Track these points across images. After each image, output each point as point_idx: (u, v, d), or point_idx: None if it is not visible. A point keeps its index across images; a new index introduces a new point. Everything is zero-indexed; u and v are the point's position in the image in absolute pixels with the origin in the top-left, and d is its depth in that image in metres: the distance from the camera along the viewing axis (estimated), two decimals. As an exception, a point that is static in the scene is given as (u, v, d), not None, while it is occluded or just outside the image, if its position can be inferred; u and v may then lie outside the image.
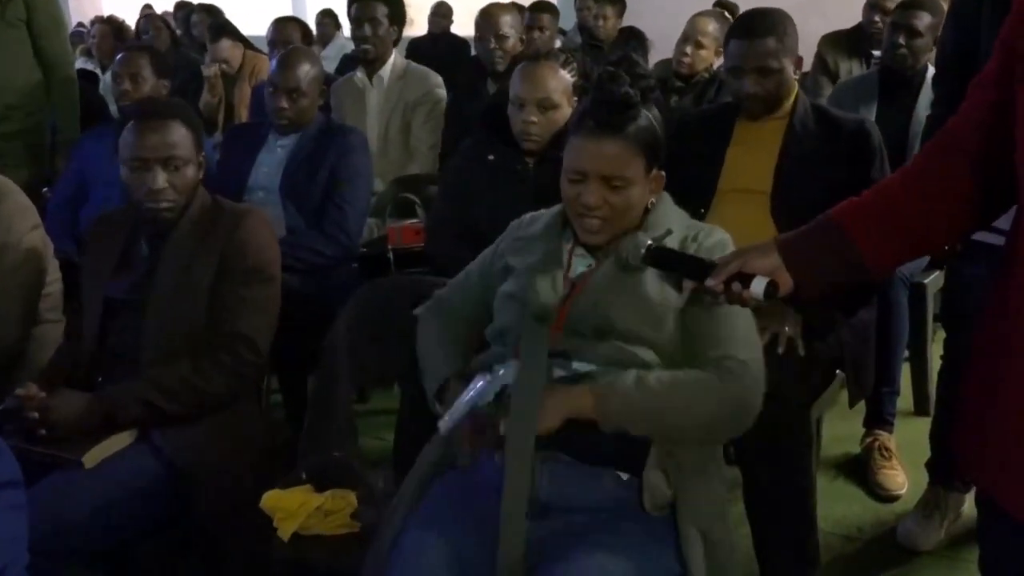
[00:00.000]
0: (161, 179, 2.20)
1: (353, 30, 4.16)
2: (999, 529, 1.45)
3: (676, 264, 1.69)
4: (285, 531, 1.98)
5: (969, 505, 2.75)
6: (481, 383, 1.75)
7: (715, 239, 1.85)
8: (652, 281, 1.78)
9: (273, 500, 2.03)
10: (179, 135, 2.22)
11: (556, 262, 1.87)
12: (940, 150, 1.49)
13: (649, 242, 1.72)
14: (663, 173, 1.89)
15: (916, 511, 2.75)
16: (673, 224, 1.88)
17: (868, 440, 3.09)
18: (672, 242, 1.83)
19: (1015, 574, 1.46)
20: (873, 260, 1.49)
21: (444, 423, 1.73)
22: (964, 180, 1.44)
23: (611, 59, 1.89)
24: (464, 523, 1.67)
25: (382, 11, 4.02)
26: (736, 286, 1.53)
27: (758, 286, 1.51)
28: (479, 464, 1.80)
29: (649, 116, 1.82)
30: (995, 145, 1.40)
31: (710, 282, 1.56)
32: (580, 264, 1.89)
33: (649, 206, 1.88)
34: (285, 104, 3.19)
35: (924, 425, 3.31)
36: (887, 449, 3.03)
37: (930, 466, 2.77)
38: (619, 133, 1.79)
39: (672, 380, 1.73)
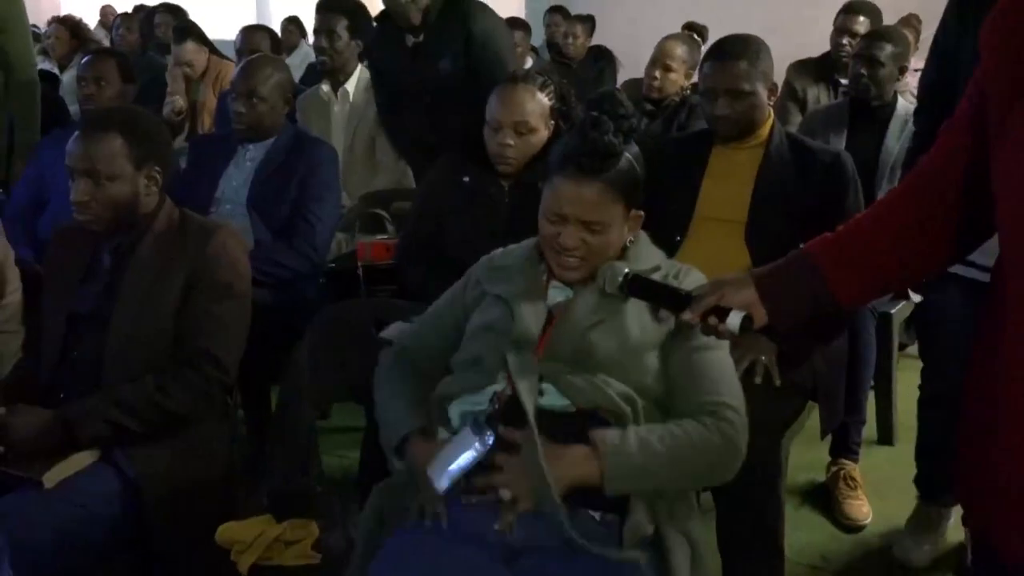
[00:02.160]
0: (81, 190, 2.14)
1: (314, 41, 4.12)
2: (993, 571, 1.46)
3: (654, 294, 1.70)
4: (243, 564, 1.94)
5: (954, 521, 2.78)
6: (471, 453, 1.68)
7: (693, 278, 1.86)
8: (632, 315, 1.79)
9: (229, 533, 1.99)
10: (110, 149, 2.14)
11: (536, 291, 1.87)
12: (913, 190, 1.51)
13: (627, 271, 1.72)
14: (642, 213, 1.90)
15: (909, 527, 2.80)
16: (651, 261, 1.90)
17: (834, 469, 3.10)
18: (657, 277, 1.83)
19: None
20: (845, 296, 1.52)
21: (439, 484, 1.67)
22: (936, 220, 1.47)
23: (593, 98, 1.89)
24: (432, 566, 1.62)
25: (342, 24, 3.97)
26: (712, 319, 1.55)
27: (734, 320, 1.53)
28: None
29: (630, 158, 1.83)
30: (969, 186, 1.42)
31: (687, 315, 1.58)
32: (558, 294, 1.89)
33: (628, 244, 1.89)
34: (243, 108, 3.15)
35: (888, 454, 3.37)
36: (852, 479, 3.04)
37: (917, 482, 2.80)
38: (600, 178, 1.80)
39: (673, 439, 1.70)
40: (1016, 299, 1.35)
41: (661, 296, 1.68)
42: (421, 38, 3.61)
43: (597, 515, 1.70)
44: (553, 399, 1.77)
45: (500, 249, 2.03)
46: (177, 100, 4.87)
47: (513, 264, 1.95)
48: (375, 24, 3.90)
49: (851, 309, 1.57)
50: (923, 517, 2.79)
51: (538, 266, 1.91)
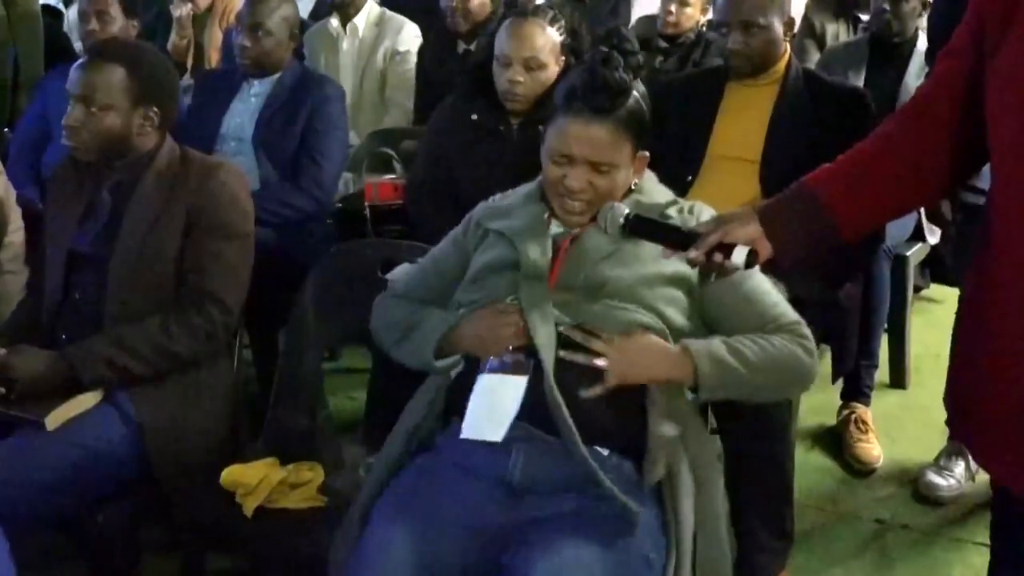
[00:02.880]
0: (73, 116, 2.11)
1: (322, -27, 4.06)
2: (1001, 499, 1.51)
3: (656, 234, 1.66)
4: (248, 507, 1.92)
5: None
6: (522, 389, 1.65)
7: (707, 215, 1.81)
8: (648, 245, 1.73)
9: (234, 476, 1.96)
10: (110, 79, 2.11)
11: (538, 225, 1.83)
12: (912, 116, 1.52)
13: (627, 211, 1.68)
14: (647, 154, 1.86)
15: (937, 462, 2.79)
16: (667, 197, 1.86)
17: (845, 413, 3.08)
18: (672, 212, 1.80)
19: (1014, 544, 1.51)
20: (847, 226, 1.52)
21: (496, 435, 1.63)
22: (936, 146, 1.48)
23: (600, 35, 1.84)
24: (432, 509, 1.61)
25: None
26: (717, 256, 1.54)
27: (739, 256, 1.52)
28: (445, 445, 1.75)
29: (638, 96, 1.78)
30: (966, 112, 1.44)
31: (692, 254, 1.56)
32: (560, 225, 1.85)
33: (633, 187, 1.85)
34: (248, 42, 3.08)
35: (900, 398, 3.35)
36: (864, 422, 3.02)
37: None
38: (611, 117, 1.75)
39: (761, 347, 1.72)
40: (1005, 222, 1.38)
41: (664, 235, 1.64)
42: (473, 45, 3.63)
43: (605, 451, 1.67)
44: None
45: (499, 194, 1.98)
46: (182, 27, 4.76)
47: (513, 203, 1.90)
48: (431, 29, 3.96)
49: (852, 239, 1.56)
50: (954, 453, 2.76)
51: (539, 204, 1.87)
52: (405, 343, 1.89)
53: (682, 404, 1.74)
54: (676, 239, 1.60)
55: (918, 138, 1.49)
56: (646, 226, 1.67)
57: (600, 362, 1.66)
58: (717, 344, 1.72)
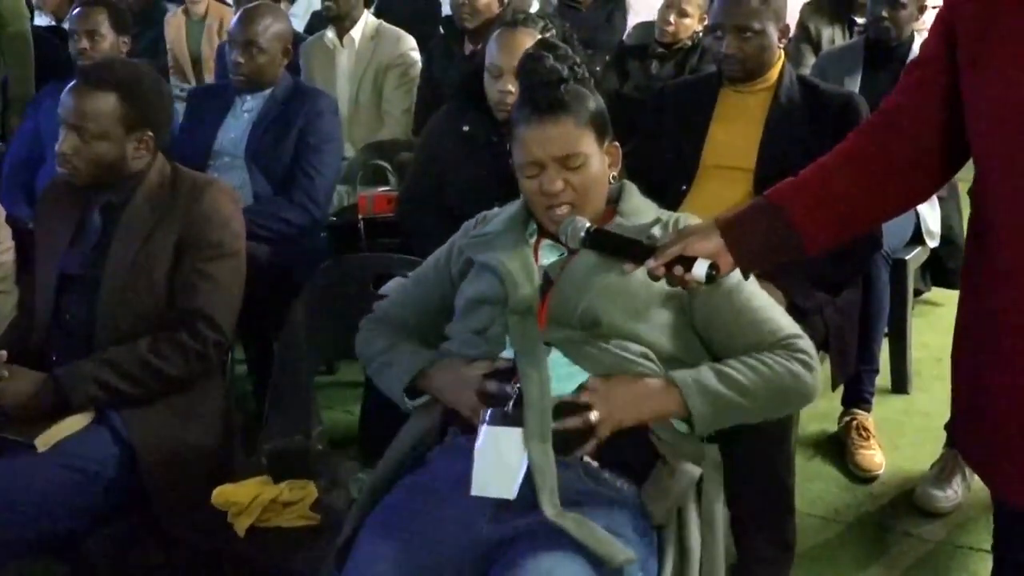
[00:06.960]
0: (66, 143, 2.09)
1: (319, -14, 4.06)
2: (1002, 511, 1.49)
3: (616, 247, 1.63)
4: (240, 526, 1.90)
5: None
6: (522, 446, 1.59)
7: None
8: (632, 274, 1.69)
9: (226, 495, 1.94)
10: (103, 108, 2.08)
11: (525, 253, 1.79)
12: (878, 130, 1.50)
13: (588, 224, 1.66)
14: (618, 144, 1.83)
15: (933, 472, 2.75)
16: (648, 214, 1.82)
17: (846, 419, 3.04)
18: (656, 231, 1.76)
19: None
20: (811, 240, 1.50)
21: (511, 493, 1.57)
22: (901, 160, 1.46)
23: (529, 50, 1.85)
24: (421, 525, 1.59)
25: None
26: (678, 269, 1.52)
27: (700, 269, 1.50)
28: (437, 460, 1.72)
29: (584, 90, 1.77)
30: (937, 124, 1.42)
31: (650, 263, 1.53)
32: (550, 254, 1.81)
33: (611, 180, 1.83)
34: (241, 59, 3.08)
35: (901, 403, 3.32)
36: (865, 429, 2.99)
37: (948, 427, 2.71)
38: (559, 111, 1.73)
39: (752, 369, 1.67)
40: (996, 227, 1.36)
41: (623, 248, 1.61)
42: (480, 46, 3.57)
43: (594, 463, 1.64)
44: (563, 381, 1.69)
45: (483, 213, 1.95)
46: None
47: (497, 228, 1.86)
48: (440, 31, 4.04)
49: (815, 254, 1.54)
50: (950, 463, 2.72)
51: (526, 227, 1.84)
52: (381, 377, 1.88)
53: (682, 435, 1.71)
54: (635, 252, 1.57)
55: (883, 155, 1.46)
56: (606, 239, 1.64)
57: (593, 416, 1.61)
58: (706, 374, 1.67)
